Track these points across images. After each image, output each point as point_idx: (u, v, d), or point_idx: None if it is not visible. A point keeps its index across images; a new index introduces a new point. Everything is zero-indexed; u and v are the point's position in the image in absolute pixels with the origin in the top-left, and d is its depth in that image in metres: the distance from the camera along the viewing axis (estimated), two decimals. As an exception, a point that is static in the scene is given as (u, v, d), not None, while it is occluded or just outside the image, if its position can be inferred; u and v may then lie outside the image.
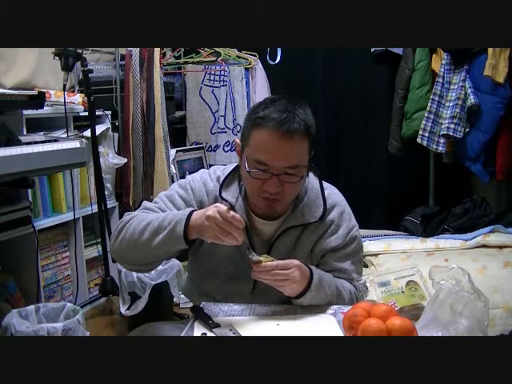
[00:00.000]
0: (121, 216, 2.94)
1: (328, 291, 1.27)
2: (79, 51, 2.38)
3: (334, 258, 1.35)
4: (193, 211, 1.22)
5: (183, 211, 1.25)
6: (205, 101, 3.30)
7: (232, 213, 1.15)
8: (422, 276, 1.26)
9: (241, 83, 3.27)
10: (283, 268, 1.20)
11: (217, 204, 1.20)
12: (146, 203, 1.38)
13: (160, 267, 2.29)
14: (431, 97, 2.95)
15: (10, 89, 2.46)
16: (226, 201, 1.33)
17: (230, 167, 1.40)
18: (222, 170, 1.41)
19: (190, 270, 1.47)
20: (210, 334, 1.13)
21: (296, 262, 1.23)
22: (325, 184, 1.40)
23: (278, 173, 1.22)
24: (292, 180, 1.24)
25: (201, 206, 1.35)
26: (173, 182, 2.91)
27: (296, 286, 1.22)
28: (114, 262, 2.63)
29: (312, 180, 1.39)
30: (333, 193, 1.40)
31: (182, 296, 2.61)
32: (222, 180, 1.37)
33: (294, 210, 1.34)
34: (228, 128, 3.28)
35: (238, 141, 1.33)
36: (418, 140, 2.99)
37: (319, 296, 1.26)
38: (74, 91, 2.84)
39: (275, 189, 1.23)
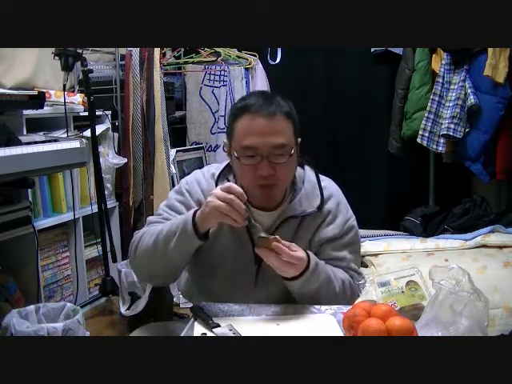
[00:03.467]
0: (121, 216, 2.99)
1: (319, 278, 1.28)
2: (79, 51, 2.38)
3: (332, 247, 1.37)
4: (197, 210, 1.25)
5: (188, 212, 1.28)
6: (205, 101, 3.30)
7: (230, 183, 1.22)
8: (422, 276, 1.25)
9: (241, 83, 3.27)
10: (294, 261, 1.22)
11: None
12: (150, 218, 1.41)
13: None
14: (431, 97, 2.95)
15: (10, 89, 2.46)
16: None
17: (225, 163, 1.42)
18: (217, 167, 1.43)
19: (189, 269, 1.47)
20: (209, 333, 1.13)
21: (304, 259, 1.25)
22: (321, 176, 1.43)
23: (266, 154, 1.25)
24: (282, 160, 1.26)
25: (199, 205, 1.36)
26: (173, 182, 2.91)
27: (300, 267, 1.24)
28: (114, 261, 2.63)
29: (308, 172, 1.41)
30: (329, 184, 1.42)
31: (182, 296, 2.61)
32: (216, 176, 1.39)
33: (292, 201, 1.36)
34: (228, 128, 3.28)
35: (225, 141, 1.36)
36: (418, 140, 2.99)
37: (310, 282, 1.26)
38: (74, 91, 2.84)
39: (267, 171, 1.25)
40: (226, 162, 1.42)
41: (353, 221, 1.41)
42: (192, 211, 1.26)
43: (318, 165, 1.44)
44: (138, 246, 1.32)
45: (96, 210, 2.60)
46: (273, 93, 1.33)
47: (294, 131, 1.30)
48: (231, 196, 1.18)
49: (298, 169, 1.39)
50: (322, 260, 1.33)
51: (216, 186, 1.36)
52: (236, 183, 1.36)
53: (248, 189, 1.32)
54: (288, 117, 1.28)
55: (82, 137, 2.51)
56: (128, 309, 2.38)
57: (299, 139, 1.33)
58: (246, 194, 1.34)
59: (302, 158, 1.38)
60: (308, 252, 1.28)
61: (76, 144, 2.02)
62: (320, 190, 1.38)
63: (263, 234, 1.22)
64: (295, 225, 1.35)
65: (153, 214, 2.88)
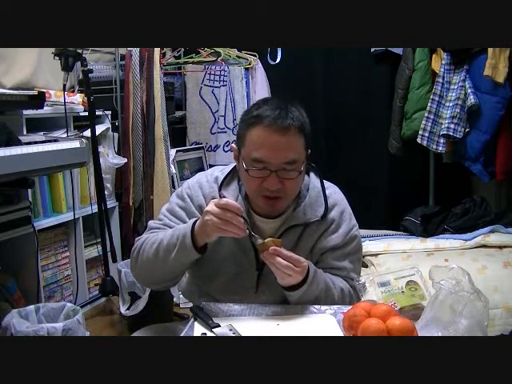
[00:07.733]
0: (121, 216, 2.99)
1: (318, 287, 1.27)
2: (79, 51, 2.38)
3: (333, 256, 1.36)
4: (196, 221, 1.25)
5: (187, 224, 1.28)
6: (205, 101, 3.30)
7: (225, 199, 1.20)
8: (422, 276, 1.26)
9: (241, 83, 3.27)
10: (294, 263, 1.21)
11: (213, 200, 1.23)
12: (151, 223, 1.41)
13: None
14: (431, 97, 2.95)
15: (9, 89, 2.46)
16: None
17: (230, 167, 1.41)
18: (221, 170, 1.41)
19: (190, 271, 1.47)
20: (209, 334, 1.13)
21: (305, 262, 1.24)
22: (326, 183, 1.41)
23: (276, 169, 1.23)
24: (291, 176, 1.24)
25: (200, 210, 1.36)
26: (173, 182, 2.91)
27: (300, 272, 1.23)
28: (114, 261, 2.63)
29: (313, 179, 1.40)
30: (334, 192, 1.41)
31: (182, 296, 2.61)
32: (220, 180, 1.38)
33: (296, 208, 1.34)
34: (228, 128, 3.28)
35: (234, 145, 1.34)
36: (418, 140, 2.99)
37: (309, 292, 1.26)
38: (73, 91, 2.84)
39: (275, 185, 1.24)
40: (232, 166, 1.40)
41: (355, 230, 1.39)
42: (191, 223, 1.25)
43: (320, 168, 1.42)
44: (140, 254, 1.33)
45: (96, 210, 2.60)
46: (288, 100, 1.28)
47: (306, 144, 1.28)
48: (229, 214, 1.17)
49: None
50: (322, 268, 1.33)
51: (220, 189, 1.36)
52: (240, 189, 1.36)
53: (252, 198, 1.32)
54: (301, 130, 1.25)
55: (82, 137, 2.51)
56: (128, 309, 2.38)
57: (309, 150, 1.31)
58: (250, 203, 1.34)
59: (308, 164, 1.35)
60: (307, 262, 1.27)
61: (76, 144, 2.02)
62: (324, 199, 1.36)
63: (261, 241, 1.23)
64: (298, 233, 1.34)
65: (153, 214, 2.91)
